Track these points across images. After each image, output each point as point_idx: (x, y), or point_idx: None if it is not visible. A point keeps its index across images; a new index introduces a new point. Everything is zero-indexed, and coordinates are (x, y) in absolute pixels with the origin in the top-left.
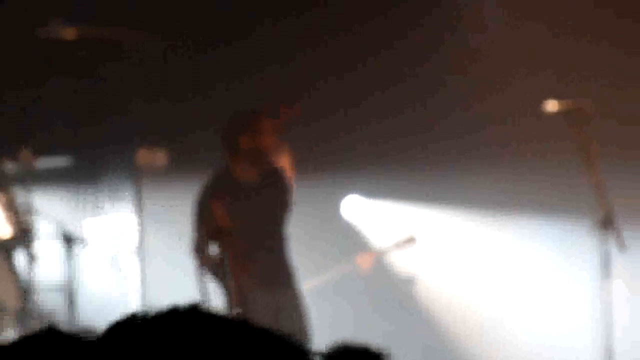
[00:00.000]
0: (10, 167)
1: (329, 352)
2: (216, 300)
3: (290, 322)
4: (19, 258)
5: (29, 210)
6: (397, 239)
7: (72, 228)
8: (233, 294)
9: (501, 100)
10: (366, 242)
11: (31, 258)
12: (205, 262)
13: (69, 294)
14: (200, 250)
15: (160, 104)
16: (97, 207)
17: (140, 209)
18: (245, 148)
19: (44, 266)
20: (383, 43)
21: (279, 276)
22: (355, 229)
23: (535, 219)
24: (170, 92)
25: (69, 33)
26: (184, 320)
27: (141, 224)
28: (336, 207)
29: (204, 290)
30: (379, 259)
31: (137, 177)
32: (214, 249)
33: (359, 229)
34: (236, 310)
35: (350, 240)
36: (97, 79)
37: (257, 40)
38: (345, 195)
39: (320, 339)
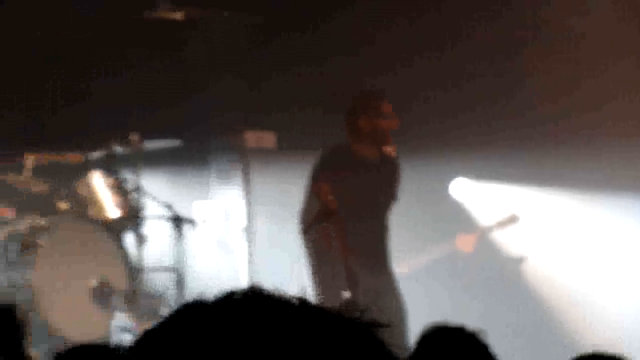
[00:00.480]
0: (118, 150)
1: (425, 333)
2: (324, 281)
3: (389, 304)
4: (129, 240)
5: (138, 193)
6: (499, 218)
7: (181, 210)
8: (340, 274)
9: (597, 83)
10: (472, 223)
11: (140, 239)
12: (312, 242)
13: (178, 275)
14: (308, 230)
15: (267, 85)
16: (206, 188)
17: (248, 190)
18: (365, 128)
19: (153, 248)
20: (486, 26)
21: (380, 259)
22: (462, 210)
23: (631, 197)
24: (276, 73)
25: (176, 14)
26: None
27: (249, 205)
28: (445, 189)
29: (311, 271)
30: (480, 239)
31: (245, 158)
32: (321, 229)
33: (466, 211)
34: (343, 291)
35: (457, 222)
36: (200, 60)
37: (359, 18)
38: (453, 177)
39: (417, 320)
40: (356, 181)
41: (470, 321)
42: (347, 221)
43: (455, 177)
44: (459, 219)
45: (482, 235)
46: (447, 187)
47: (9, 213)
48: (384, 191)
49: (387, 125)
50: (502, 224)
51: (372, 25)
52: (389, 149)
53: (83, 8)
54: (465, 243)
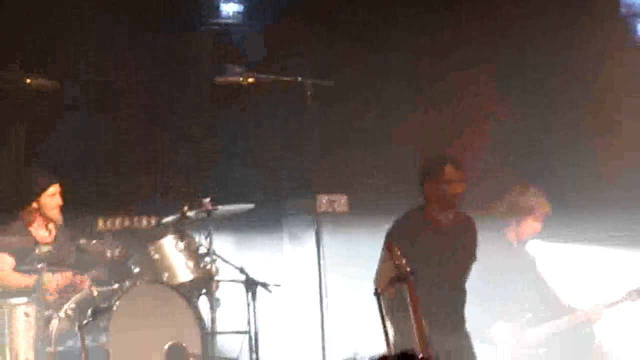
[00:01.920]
0: (192, 214)
1: None
2: (397, 342)
3: None
4: (202, 303)
5: (211, 256)
6: (630, 289)
7: (254, 273)
8: (414, 336)
9: None
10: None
11: (214, 303)
12: (386, 305)
13: (251, 338)
14: (381, 292)
15: (340, 150)
16: (279, 251)
17: (320, 253)
18: (432, 193)
19: (226, 311)
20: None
21: (455, 319)
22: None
23: None
24: (349, 139)
25: (247, 80)
26: None
27: (322, 268)
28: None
29: (385, 333)
30: (610, 310)
31: (317, 221)
32: (394, 292)
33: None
34: (417, 352)
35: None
36: (272, 125)
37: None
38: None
39: None
40: (431, 245)
41: None
42: (424, 284)
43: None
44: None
45: (611, 307)
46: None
47: (82, 278)
48: (460, 253)
49: (452, 189)
50: (632, 296)
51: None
52: (461, 212)
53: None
54: (595, 313)
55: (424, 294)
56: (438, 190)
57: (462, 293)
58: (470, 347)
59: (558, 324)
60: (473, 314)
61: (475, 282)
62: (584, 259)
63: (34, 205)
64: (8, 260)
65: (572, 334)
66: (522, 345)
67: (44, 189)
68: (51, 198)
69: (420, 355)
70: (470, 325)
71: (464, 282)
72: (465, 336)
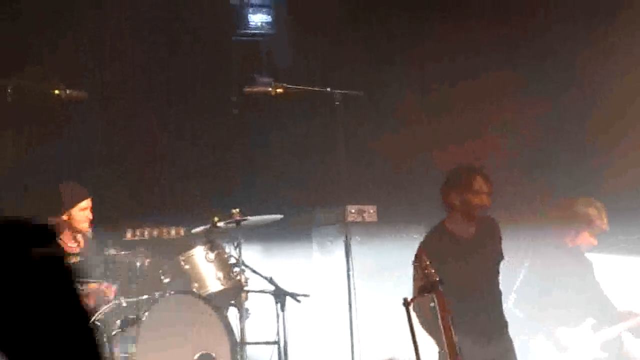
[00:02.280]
0: (221, 224)
1: None
2: (428, 354)
3: None
4: (232, 313)
5: (241, 267)
6: None
7: (283, 283)
8: (445, 347)
9: None
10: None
11: (243, 313)
12: (416, 315)
13: (281, 349)
14: (410, 302)
15: (369, 160)
16: (308, 262)
17: (350, 263)
18: (457, 203)
19: (256, 321)
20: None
21: (490, 327)
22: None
23: None
24: (378, 149)
25: (276, 90)
26: None
27: (351, 278)
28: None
29: (414, 343)
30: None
31: (347, 231)
32: (425, 302)
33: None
34: None
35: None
36: (303, 136)
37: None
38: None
39: None
40: (458, 254)
41: None
42: (457, 295)
43: None
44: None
45: None
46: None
47: (110, 288)
48: (486, 257)
49: (479, 201)
50: None
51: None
52: (483, 215)
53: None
54: None
55: (456, 302)
56: (464, 200)
57: (495, 297)
58: (512, 352)
59: (619, 328)
60: (537, 318)
61: (536, 286)
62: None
63: (64, 217)
64: None
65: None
66: (585, 349)
67: (77, 202)
68: (83, 212)
69: None
70: (536, 328)
71: (496, 285)
72: (508, 340)
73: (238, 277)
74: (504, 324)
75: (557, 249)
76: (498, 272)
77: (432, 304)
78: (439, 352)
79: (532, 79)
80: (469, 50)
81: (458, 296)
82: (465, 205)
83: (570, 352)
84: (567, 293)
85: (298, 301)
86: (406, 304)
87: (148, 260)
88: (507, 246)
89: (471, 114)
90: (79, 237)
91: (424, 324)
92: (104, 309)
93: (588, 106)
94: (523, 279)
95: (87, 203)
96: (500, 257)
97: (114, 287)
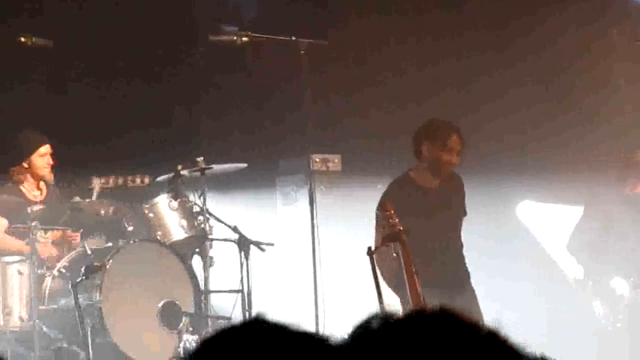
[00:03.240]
0: (186, 173)
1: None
2: (392, 303)
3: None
4: (195, 262)
5: (205, 215)
6: None
7: (247, 232)
8: (408, 296)
9: None
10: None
11: (207, 262)
12: (379, 264)
13: (244, 297)
14: (374, 251)
15: (332, 109)
16: (272, 211)
17: (314, 212)
18: (426, 155)
19: (220, 270)
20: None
21: (453, 279)
22: (527, 232)
23: None
24: (343, 99)
25: (241, 39)
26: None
27: (315, 227)
28: (512, 212)
29: (378, 292)
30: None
31: (311, 181)
32: (389, 251)
33: (531, 232)
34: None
35: (523, 243)
36: (266, 85)
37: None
38: (520, 200)
39: None
40: (422, 205)
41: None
42: (419, 245)
43: (522, 199)
44: (524, 240)
45: None
46: (514, 209)
47: (76, 236)
48: (450, 210)
49: (449, 158)
50: None
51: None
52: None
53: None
54: None
55: (420, 253)
56: (437, 155)
57: (458, 249)
58: (476, 303)
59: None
60: (590, 268)
61: (592, 234)
62: None
63: (25, 165)
64: (1, 223)
65: None
66: (636, 300)
67: (36, 148)
68: (42, 158)
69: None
70: (589, 278)
71: (458, 238)
72: (470, 291)
73: (202, 226)
74: (467, 276)
75: (615, 197)
76: (460, 227)
77: (394, 254)
78: (401, 302)
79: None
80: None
81: (421, 246)
82: (434, 160)
83: (624, 304)
84: (624, 242)
85: (262, 250)
86: (370, 253)
87: (113, 208)
88: (564, 192)
89: (442, 66)
90: (42, 185)
91: (387, 273)
92: (69, 256)
93: None
94: (578, 226)
95: (46, 149)
96: (463, 213)
97: (78, 235)
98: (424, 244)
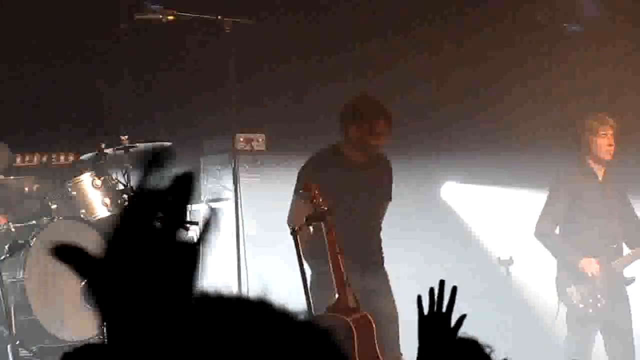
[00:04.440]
0: (109, 151)
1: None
2: (313, 281)
3: (381, 304)
4: None
5: (129, 193)
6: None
7: None
8: (331, 275)
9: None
10: (466, 227)
11: None
12: (303, 243)
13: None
14: (298, 231)
15: (257, 88)
16: (196, 190)
17: (237, 192)
18: (353, 137)
19: None
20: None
21: (372, 259)
22: (452, 212)
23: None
24: (269, 78)
25: (167, 17)
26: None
27: (239, 207)
28: (436, 193)
29: (301, 272)
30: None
31: (235, 160)
32: (311, 230)
33: (455, 213)
34: (333, 292)
35: (446, 223)
36: (191, 62)
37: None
38: (444, 181)
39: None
40: (346, 182)
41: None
42: (338, 222)
43: (445, 180)
44: (448, 220)
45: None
46: (438, 190)
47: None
48: (375, 191)
49: (377, 141)
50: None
51: (364, 26)
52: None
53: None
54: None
55: (341, 232)
56: (364, 138)
57: (377, 232)
58: (388, 288)
59: None
60: (560, 249)
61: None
62: None
63: None
64: None
65: None
66: (612, 276)
67: None
68: None
69: (337, 297)
70: (560, 260)
71: (379, 221)
72: (384, 274)
73: (126, 204)
74: (382, 259)
75: (580, 176)
76: (383, 210)
77: (310, 230)
78: (312, 282)
79: None
80: None
81: (341, 221)
82: (361, 142)
83: (594, 281)
84: (591, 217)
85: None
86: (294, 232)
87: (37, 186)
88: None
89: (370, 43)
90: None
91: (310, 252)
92: None
93: None
94: (545, 210)
95: None
96: (388, 198)
97: (2, 213)
98: (344, 218)
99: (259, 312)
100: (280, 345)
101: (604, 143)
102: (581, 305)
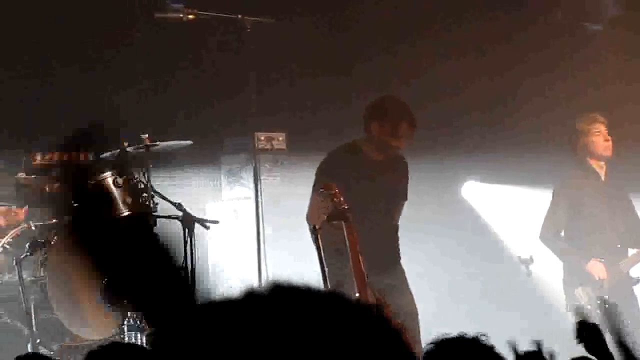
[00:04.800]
0: (131, 150)
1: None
2: (332, 281)
3: (400, 301)
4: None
5: (149, 192)
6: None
7: (192, 210)
8: (351, 275)
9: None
10: (486, 226)
11: None
12: (324, 242)
13: (189, 274)
14: (318, 229)
15: (279, 88)
16: (217, 189)
17: (258, 190)
18: (376, 134)
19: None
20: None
21: (389, 257)
22: (472, 211)
23: None
24: (289, 76)
25: (187, 16)
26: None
27: (259, 205)
28: (457, 192)
29: (322, 270)
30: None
31: (255, 159)
32: (332, 229)
33: (476, 212)
34: (354, 291)
35: (468, 222)
36: (212, 63)
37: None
38: (464, 179)
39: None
40: (364, 180)
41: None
42: (356, 221)
43: (466, 179)
44: (469, 219)
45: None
46: (458, 189)
47: (20, 212)
48: (392, 191)
49: (398, 144)
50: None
51: (386, 31)
52: (395, 153)
53: (93, 9)
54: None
55: (360, 231)
56: (385, 138)
57: (394, 230)
58: (406, 285)
59: None
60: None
61: (564, 221)
62: None
63: None
64: None
65: None
66: (618, 277)
67: None
68: None
69: (357, 295)
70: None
71: (396, 219)
72: (402, 271)
73: (147, 203)
74: (399, 257)
75: (581, 179)
76: (400, 209)
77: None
78: (331, 281)
79: None
80: None
81: (359, 219)
82: (382, 142)
83: (602, 285)
84: (595, 219)
85: (207, 227)
86: (315, 231)
87: (57, 184)
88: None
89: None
90: None
91: (331, 251)
92: (13, 232)
93: None
94: (548, 215)
95: None
96: (404, 197)
97: (23, 211)
98: (362, 218)
99: (334, 303)
100: (356, 336)
101: (600, 140)
102: (589, 307)
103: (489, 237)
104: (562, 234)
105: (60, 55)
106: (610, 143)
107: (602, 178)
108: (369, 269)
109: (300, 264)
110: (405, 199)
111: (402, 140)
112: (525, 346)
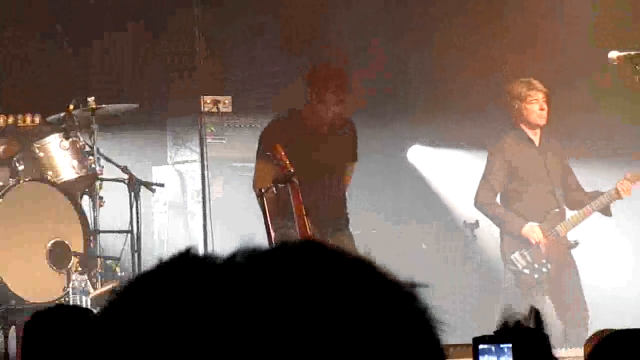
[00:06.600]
0: (76, 113)
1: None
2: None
3: None
4: (85, 202)
5: (95, 156)
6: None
7: (138, 173)
8: (297, 235)
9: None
10: (432, 190)
11: (97, 202)
12: (269, 205)
13: (134, 238)
14: (264, 192)
15: (222, 50)
16: (163, 152)
17: (204, 153)
18: (314, 102)
19: (109, 210)
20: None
21: (336, 220)
22: (419, 176)
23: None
24: (237, 41)
25: None
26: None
27: (205, 168)
28: (403, 156)
29: (268, 234)
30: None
31: (201, 122)
32: (278, 191)
33: (422, 176)
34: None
35: (413, 187)
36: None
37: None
38: (410, 145)
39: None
40: (311, 143)
41: None
42: (303, 183)
43: (412, 143)
44: (415, 184)
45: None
46: (405, 154)
47: None
48: (336, 154)
49: (335, 109)
50: None
51: None
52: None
53: None
54: (624, 188)
55: (307, 193)
56: (323, 106)
57: (341, 194)
58: (354, 248)
59: (586, 210)
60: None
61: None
62: None
63: None
64: None
65: None
66: (555, 240)
67: None
68: None
69: None
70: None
71: (343, 183)
72: (349, 237)
73: (93, 166)
74: (347, 220)
75: (514, 140)
76: (350, 172)
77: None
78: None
79: None
80: None
81: (305, 182)
82: (320, 108)
83: (539, 247)
84: (530, 182)
85: (152, 190)
86: (260, 194)
87: (3, 147)
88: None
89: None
90: None
91: (277, 214)
92: None
93: None
94: (483, 181)
95: None
96: (353, 158)
97: None
98: (308, 182)
99: (362, 268)
100: (388, 306)
101: (534, 108)
102: (527, 271)
103: (435, 201)
104: (498, 199)
105: (10, 19)
106: (545, 112)
107: (537, 143)
108: (317, 232)
109: (247, 226)
110: (355, 159)
111: (341, 106)
112: (476, 300)
